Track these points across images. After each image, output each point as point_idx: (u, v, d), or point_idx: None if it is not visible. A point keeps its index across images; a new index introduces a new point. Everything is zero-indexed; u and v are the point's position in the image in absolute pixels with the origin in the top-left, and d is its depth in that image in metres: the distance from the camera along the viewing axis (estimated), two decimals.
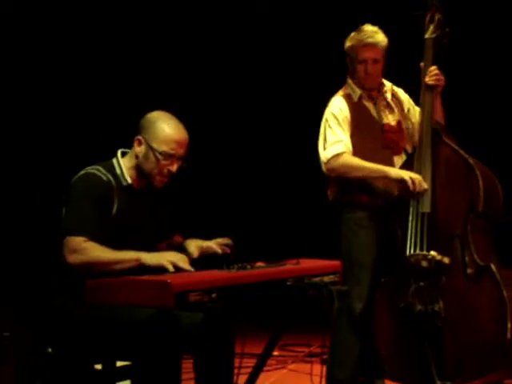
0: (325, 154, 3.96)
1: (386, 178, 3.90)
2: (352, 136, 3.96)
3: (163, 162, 3.19)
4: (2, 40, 5.98)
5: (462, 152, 3.88)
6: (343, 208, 4.03)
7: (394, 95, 4.14)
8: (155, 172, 3.21)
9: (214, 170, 7.03)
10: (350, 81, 4.08)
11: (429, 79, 3.97)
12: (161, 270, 2.98)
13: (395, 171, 3.89)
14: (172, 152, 3.19)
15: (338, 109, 3.98)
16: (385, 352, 3.91)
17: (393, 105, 4.10)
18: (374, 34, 3.98)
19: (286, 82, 6.86)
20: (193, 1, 6.85)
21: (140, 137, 3.22)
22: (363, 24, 4.04)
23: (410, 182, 3.80)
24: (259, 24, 6.85)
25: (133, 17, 6.64)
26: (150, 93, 6.32)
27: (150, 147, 3.20)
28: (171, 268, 2.97)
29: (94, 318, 3.01)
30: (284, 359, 5.31)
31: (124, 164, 3.25)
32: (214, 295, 2.79)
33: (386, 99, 4.09)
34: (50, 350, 3.12)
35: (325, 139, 3.97)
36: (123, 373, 3.15)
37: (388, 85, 4.15)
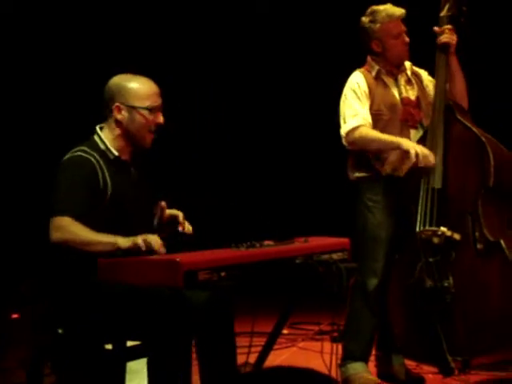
0: (344, 127, 4.00)
1: (399, 148, 3.89)
2: (370, 109, 4.00)
3: (150, 118, 3.24)
4: (1, 40, 6.03)
5: (474, 129, 3.84)
6: (359, 186, 4.05)
7: (414, 73, 4.16)
8: (144, 131, 3.25)
9: (223, 148, 7.07)
10: (369, 59, 4.10)
11: (440, 37, 3.93)
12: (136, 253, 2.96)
13: (407, 142, 3.88)
14: (156, 104, 3.26)
15: (355, 83, 4.03)
16: (397, 329, 3.91)
17: (413, 81, 4.12)
18: (397, 8, 4.02)
19: (285, 81, 6.95)
20: (193, 1, 6.85)
21: (117, 103, 3.24)
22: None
23: (412, 155, 3.80)
24: (259, 24, 6.88)
25: (131, 17, 6.67)
26: None
27: (133, 108, 3.23)
28: (143, 245, 2.93)
29: (104, 298, 3.01)
30: (294, 337, 5.31)
31: (106, 137, 3.27)
32: (223, 274, 2.79)
33: (407, 75, 4.12)
34: (60, 330, 3.12)
35: (344, 114, 4.02)
36: (134, 353, 3.15)
37: (408, 64, 4.17)
